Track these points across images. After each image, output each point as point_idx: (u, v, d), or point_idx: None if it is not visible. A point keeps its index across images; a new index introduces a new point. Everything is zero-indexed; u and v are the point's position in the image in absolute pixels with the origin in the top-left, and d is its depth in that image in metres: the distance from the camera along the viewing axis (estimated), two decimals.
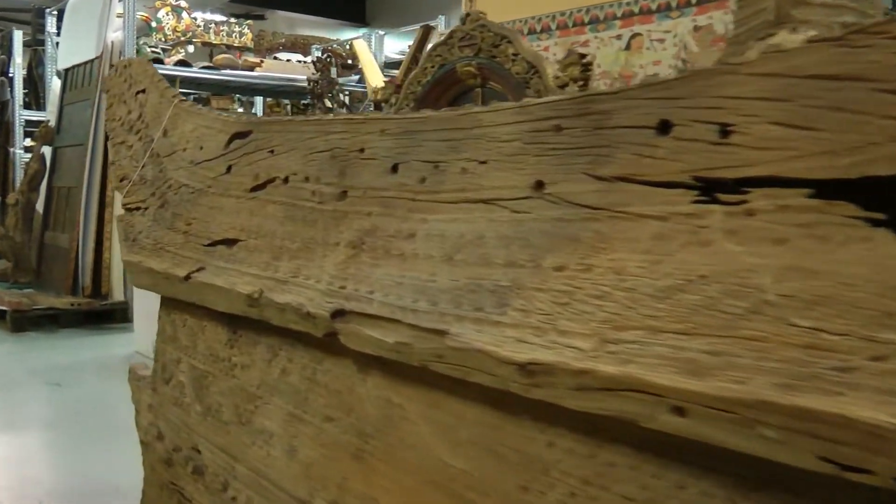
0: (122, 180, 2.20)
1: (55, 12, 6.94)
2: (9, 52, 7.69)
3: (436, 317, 1.07)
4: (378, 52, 7.55)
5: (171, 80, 6.01)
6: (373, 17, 11.75)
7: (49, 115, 6.42)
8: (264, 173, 1.67)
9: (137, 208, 2.07)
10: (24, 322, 5.09)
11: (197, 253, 1.68)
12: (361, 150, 1.45)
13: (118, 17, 5.46)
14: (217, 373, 1.60)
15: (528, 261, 1.06)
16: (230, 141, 1.85)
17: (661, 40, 2.24)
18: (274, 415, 1.40)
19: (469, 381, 1.01)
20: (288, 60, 7.45)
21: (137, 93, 2.32)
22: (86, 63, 5.61)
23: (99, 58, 5.41)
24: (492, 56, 1.77)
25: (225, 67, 6.53)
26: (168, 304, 1.86)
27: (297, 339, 1.36)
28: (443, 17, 6.48)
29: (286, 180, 1.60)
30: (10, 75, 7.67)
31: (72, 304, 5.13)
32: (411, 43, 7.61)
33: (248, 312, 1.42)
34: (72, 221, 5.47)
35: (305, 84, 6.87)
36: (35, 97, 7.91)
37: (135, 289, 4.51)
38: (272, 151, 1.67)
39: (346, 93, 7.22)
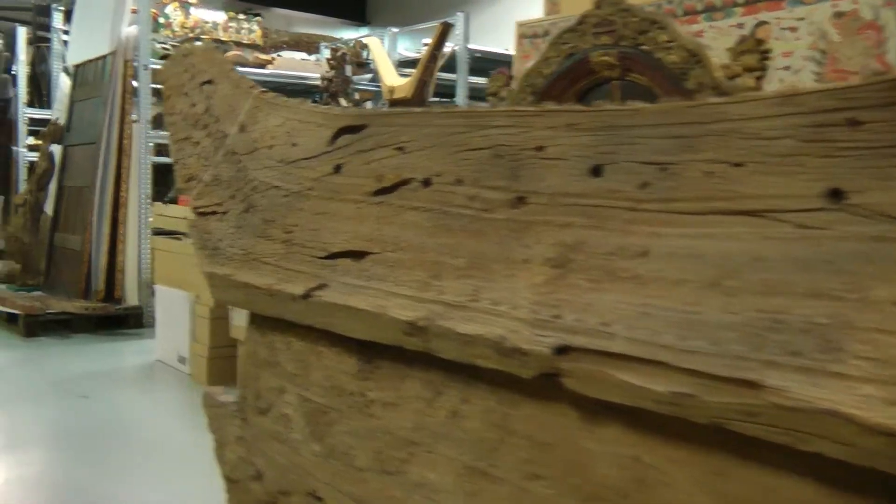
0: (188, 181, 1.90)
1: (61, 9, 6.59)
2: (12, 50, 7.32)
3: (729, 361, 0.79)
4: (391, 50, 7.24)
5: None
6: (373, 15, 11.43)
7: (56, 112, 6.07)
8: (392, 174, 1.38)
9: (213, 212, 1.77)
10: (37, 327, 4.76)
11: (310, 266, 1.38)
12: (540, 149, 1.17)
13: (132, 12, 5.13)
14: (344, 409, 1.30)
15: (847, 291, 0.79)
16: (336, 136, 1.56)
17: (793, 29, 1.98)
18: (440, 466, 1.12)
19: (796, 450, 0.74)
20: (303, 59, 7.15)
21: (202, 83, 2.02)
22: (98, 59, 5.27)
23: (113, 53, 5.08)
24: (637, 44, 1.50)
25: (236, 65, 6.19)
26: (262, 323, 1.56)
27: (474, 377, 1.08)
28: (461, 14, 6.19)
29: (427, 183, 1.31)
30: (13, 73, 7.31)
31: (86, 309, 4.79)
32: (427, 41, 7.34)
33: (405, 342, 1.13)
34: (83, 223, 5.13)
35: (318, 82, 6.56)
36: (38, 95, 7.54)
37: (156, 294, 4.19)
38: (401, 149, 1.39)
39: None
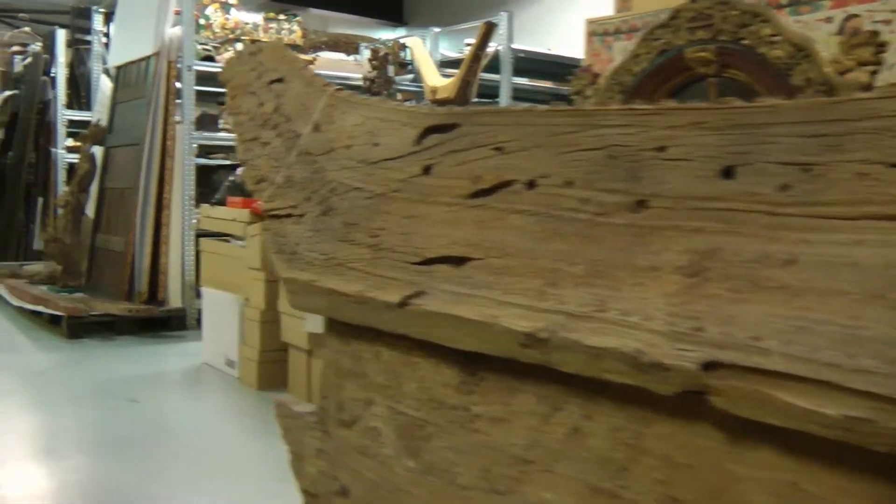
0: (258, 182, 1.85)
1: (102, 11, 6.62)
2: (51, 52, 7.37)
3: None
4: (433, 50, 7.20)
5: None
6: (410, 15, 11.40)
7: (97, 114, 6.08)
8: (490, 175, 1.33)
9: (288, 215, 1.73)
10: (80, 329, 4.76)
11: (403, 273, 1.33)
12: (661, 149, 1.11)
13: (175, 13, 5.12)
14: (444, 423, 1.25)
15: None
16: (423, 136, 1.51)
17: (888, 21, 1.90)
18: (560, 486, 1.06)
19: None
20: (342, 60, 7.13)
21: (271, 82, 1.98)
22: (140, 60, 5.28)
23: (156, 54, 5.07)
24: (737, 38, 1.44)
25: None
26: (345, 331, 1.51)
27: (597, 392, 1.02)
28: (505, 14, 6.13)
29: (531, 185, 1.26)
30: (53, 75, 7.35)
31: (129, 311, 4.79)
32: (470, 41, 7.29)
33: (519, 354, 1.08)
34: (126, 224, 5.14)
35: (359, 83, 6.53)
36: (76, 97, 7.58)
37: (203, 297, 4.17)
38: (499, 149, 1.33)
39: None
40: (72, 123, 7.40)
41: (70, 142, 7.30)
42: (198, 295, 5.15)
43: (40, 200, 7.49)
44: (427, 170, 1.45)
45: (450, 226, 1.33)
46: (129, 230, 5.04)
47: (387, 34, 9.41)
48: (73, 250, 5.67)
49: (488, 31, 6.45)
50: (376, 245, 1.45)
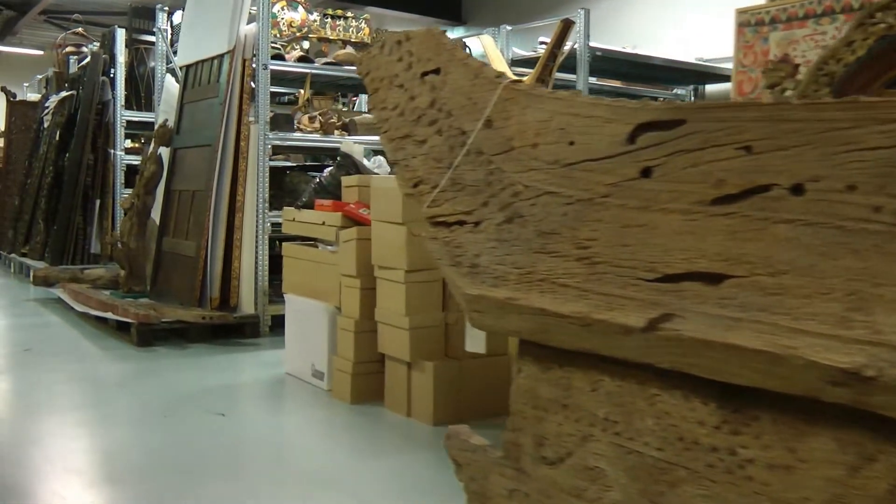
0: (416, 185, 1.71)
1: (165, 9, 6.55)
2: (111, 52, 7.33)
3: None
4: (504, 49, 7.04)
5: (297, 78, 5.57)
6: (469, 15, 11.25)
7: (162, 114, 6.01)
8: (738, 179, 1.17)
9: (460, 222, 1.58)
10: (150, 336, 4.67)
11: (638, 291, 1.18)
12: None
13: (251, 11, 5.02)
14: (699, 467, 1.10)
15: None
16: (635, 133, 1.35)
17: None
18: None
19: None
20: None
21: (424, 74, 1.84)
22: (213, 58, 5.19)
23: (230, 52, 4.97)
24: None
25: (347, 64, 6.06)
26: (546, 356, 1.36)
27: None
28: (582, 11, 5.96)
29: (797, 190, 1.10)
30: (112, 75, 7.31)
31: (203, 318, 4.69)
32: (544, 39, 7.12)
33: (825, 393, 0.92)
34: (198, 228, 5.04)
35: None
36: (136, 97, 7.54)
37: (287, 305, 4.04)
38: (747, 148, 1.17)
39: None
40: (131, 125, 7.37)
41: (129, 143, 7.26)
42: (271, 301, 5.05)
43: (98, 203, 7.45)
44: (646, 172, 1.30)
45: (690, 237, 1.18)
46: (202, 234, 4.95)
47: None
48: (138, 254, 5.60)
49: (566, 29, 6.28)
50: (589, 258, 1.29)
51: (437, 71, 1.79)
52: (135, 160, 6.80)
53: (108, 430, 3.13)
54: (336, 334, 3.65)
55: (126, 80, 7.39)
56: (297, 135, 5.20)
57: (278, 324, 5.09)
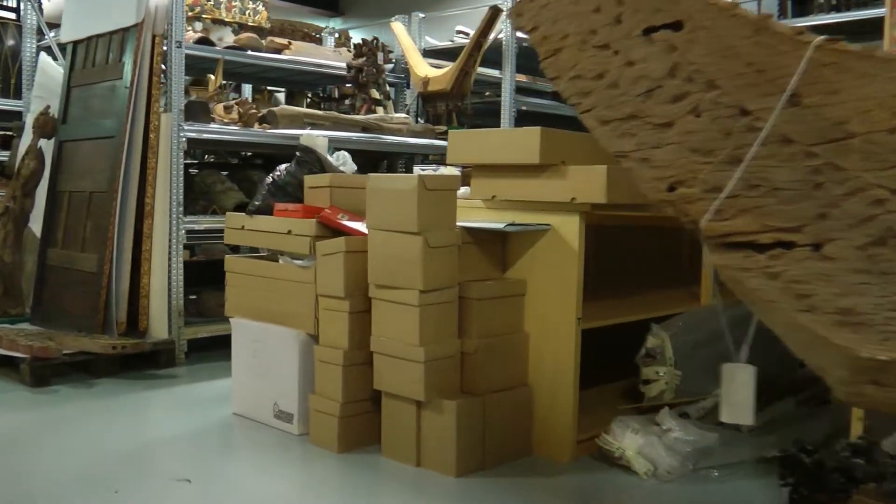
0: (673, 187, 1.18)
1: None
2: None
3: None
4: (417, 38, 6.50)
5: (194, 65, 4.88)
6: (347, 6, 10.64)
7: (37, 100, 5.12)
8: None
9: (784, 244, 1.06)
10: (48, 373, 3.85)
11: None
12: None
13: None
14: None
15: None
16: None
17: None
18: None
19: None
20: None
21: (650, 30, 1.30)
22: (113, 33, 4.41)
23: (139, 25, 4.21)
24: None
25: (248, 48, 5.38)
26: None
27: None
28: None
29: None
30: None
31: (114, 347, 3.93)
32: (461, 28, 6.64)
33: None
34: (99, 237, 4.28)
35: (342, 72, 5.78)
36: None
37: (235, 330, 3.38)
38: None
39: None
40: None
41: None
42: (186, 323, 4.33)
43: None
44: None
45: None
46: (106, 244, 4.18)
47: (320, 24, 8.60)
48: (14, 270, 4.73)
49: (494, 17, 5.84)
50: None
51: (675, 25, 1.25)
52: (3, 157, 5.82)
53: None
54: (311, 368, 3.04)
55: None
56: (215, 126, 4.48)
57: (195, 349, 4.39)
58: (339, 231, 3.01)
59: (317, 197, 3.20)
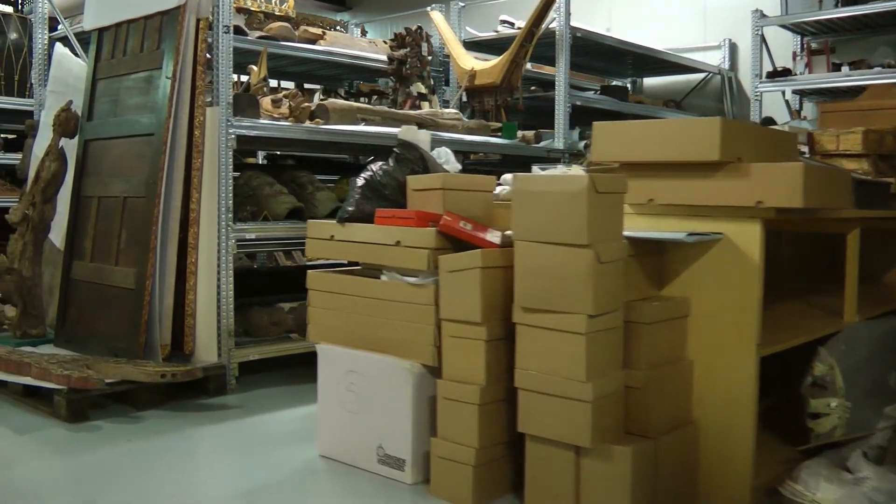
0: None
1: None
2: None
3: None
4: (457, 28, 6.03)
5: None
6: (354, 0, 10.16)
7: (53, 96, 4.59)
8: None
9: None
10: (86, 405, 3.34)
11: None
12: None
13: None
14: None
15: None
16: None
17: None
18: None
19: None
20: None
21: None
22: (148, 17, 3.89)
23: (181, 8, 3.70)
24: None
25: (281, 39, 4.89)
26: None
27: None
28: None
29: None
30: None
31: (163, 375, 3.41)
32: (507, 18, 6.19)
33: None
34: (139, 249, 3.77)
35: (383, 65, 5.30)
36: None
37: (321, 358, 2.90)
38: None
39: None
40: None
41: None
42: (237, 344, 3.82)
43: None
44: None
45: None
46: (147, 257, 3.65)
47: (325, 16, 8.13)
48: (34, 285, 4.18)
49: (548, 5, 5.39)
50: None
51: None
52: (12, 159, 5.26)
53: None
54: (428, 405, 2.56)
55: None
56: (267, 122, 3.98)
57: (244, 372, 3.88)
58: (464, 242, 2.54)
59: (425, 201, 2.71)
